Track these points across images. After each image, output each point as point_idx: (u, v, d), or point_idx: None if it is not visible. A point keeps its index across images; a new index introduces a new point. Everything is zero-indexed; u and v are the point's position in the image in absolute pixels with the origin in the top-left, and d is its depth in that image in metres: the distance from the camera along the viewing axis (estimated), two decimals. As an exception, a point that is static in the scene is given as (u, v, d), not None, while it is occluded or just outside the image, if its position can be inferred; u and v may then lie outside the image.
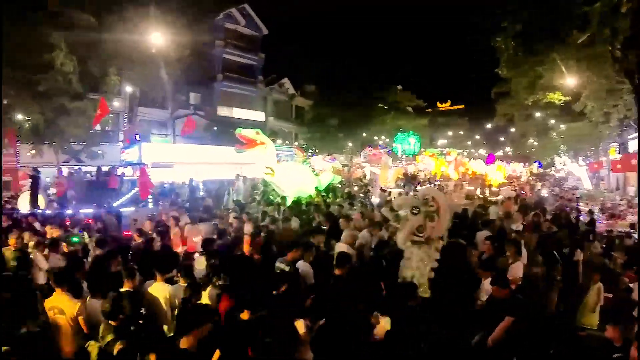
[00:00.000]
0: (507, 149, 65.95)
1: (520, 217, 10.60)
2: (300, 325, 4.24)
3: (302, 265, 6.19)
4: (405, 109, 49.83)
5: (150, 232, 9.08)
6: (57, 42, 17.54)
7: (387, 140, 44.62)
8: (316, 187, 14.96)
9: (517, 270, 6.78)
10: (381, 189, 20.46)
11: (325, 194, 15.44)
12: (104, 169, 17.51)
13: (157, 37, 19.28)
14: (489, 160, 34.26)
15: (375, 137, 45.14)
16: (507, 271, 6.61)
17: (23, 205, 12.84)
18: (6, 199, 14.00)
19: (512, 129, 49.34)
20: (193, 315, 3.92)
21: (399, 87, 49.18)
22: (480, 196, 19.70)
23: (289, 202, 13.00)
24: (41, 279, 6.69)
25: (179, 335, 3.77)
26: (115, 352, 4.17)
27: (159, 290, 5.56)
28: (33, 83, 17.83)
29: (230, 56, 38.44)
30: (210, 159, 22.78)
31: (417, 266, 6.22)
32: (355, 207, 12.32)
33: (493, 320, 5.17)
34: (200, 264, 6.91)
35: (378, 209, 11.92)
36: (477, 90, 50.74)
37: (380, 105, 43.96)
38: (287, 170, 14.64)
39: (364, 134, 43.87)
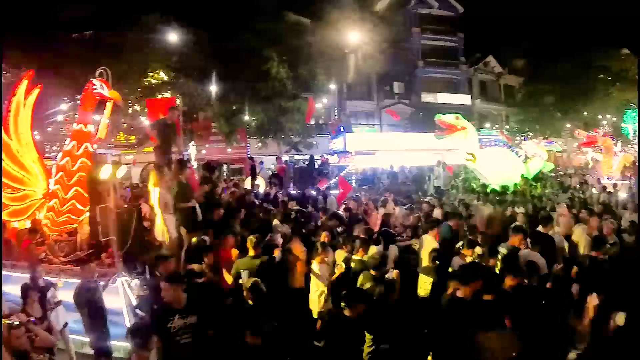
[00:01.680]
0: None
1: None
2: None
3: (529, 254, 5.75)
4: (634, 79, 38.68)
5: (356, 211, 9.81)
6: (270, 54, 20.72)
7: (615, 119, 35.52)
8: (522, 175, 13.64)
9: None
10: (598, 179, 16.81)
11: (533, 183, 13.96)
12: (316, 157, 19.44)
13: (355, 34, 20.67)
14: None
15: (599, 116, 36.67)
16: None
17: (247, 186, 15.15)
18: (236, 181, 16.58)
19: None
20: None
21: (625, 50, 38.19)
22: None
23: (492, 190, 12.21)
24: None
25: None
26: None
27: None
28: (256, 90, 21.61)
29: (428, 41, 37.71)
30: (411, 146, 23.01)
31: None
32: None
33: None
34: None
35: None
36: None
37: (602, 75, 36.04)
38: (491, 156, 13.74)
39: (585, 113, 36.85)
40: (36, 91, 8.35)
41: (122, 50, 18.74)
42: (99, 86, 8.02)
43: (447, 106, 30.99)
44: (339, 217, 8.88)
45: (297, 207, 10.06)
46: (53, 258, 7.53)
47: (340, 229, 8.03)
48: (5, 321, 3.50)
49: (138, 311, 5.69)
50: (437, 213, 9.14)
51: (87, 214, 7.97)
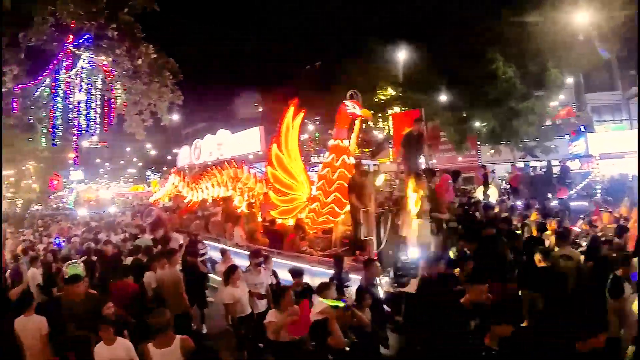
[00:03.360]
0: None
1: None
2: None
3: None
4: None
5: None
6: (494, 55, 19.35)
7: None
8: None
9: None
10: None
11: None
12: (554, 163, 17.66)
13: (583, 16, 17.70)
14: None
15: None
16: None
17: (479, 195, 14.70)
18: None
19: None
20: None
21: None
22: None
23: None
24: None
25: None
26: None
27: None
28: (483, 94, 20.43)
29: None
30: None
31: None
32: None
33: None
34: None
35: None
36: None
37: None
38: None
39: None
40: (301, 115, 10.08)
41: (351, 74, 20.74)
42: (351, 107, 9.18)
43: None
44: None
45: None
46: (313, 251, 8.91)
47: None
48: (339, 304, 4.49)
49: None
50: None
51: (342, 216, 9.21)
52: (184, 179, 19.69)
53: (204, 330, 7.98)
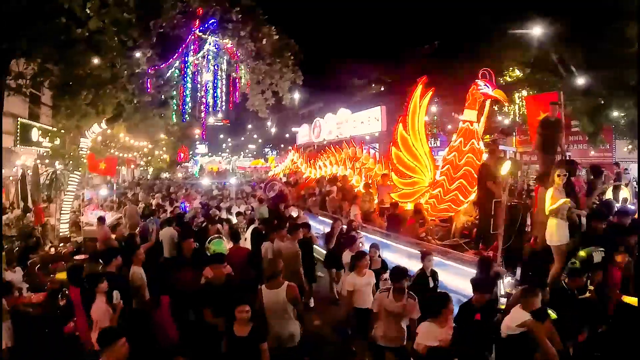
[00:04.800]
0: None
1: None
2: None
3: None
4: None
5: None
6: (633, 32, 16.38)
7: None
8: None
9: None
10: None
11: None
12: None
13: None
14: None
15: None
16: None
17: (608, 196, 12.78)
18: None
19: None
20: None
21: None
22: None
23: None
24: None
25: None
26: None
27: None
28: (625, 80, 17.58)
29: None
30: None
31: None
32: None
33: None
34: None
35: None
36: None
37: None
38: None
39: None
40: (429, 94, 9.54)
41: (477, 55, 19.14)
42: (484, 86, 8.45)
43: None
44: None
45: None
46: (431, 239, 8.47)
47: None
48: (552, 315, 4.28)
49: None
50: None
51: (466, 204, 8.62)
52: (303, 156, 20.22)
53: (312, 304, 8.06)
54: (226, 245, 7.97)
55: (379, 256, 7.06)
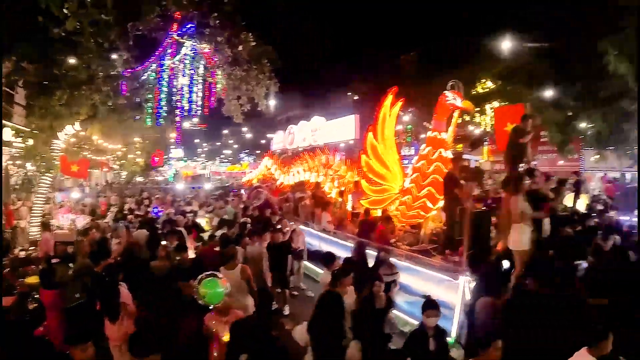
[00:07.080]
0: None
1: None
2: None
3: None
4: None
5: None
6: (604, 47, 17.16)
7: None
8: None
9: None
10: None
11: None
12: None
13: None
14: None
15: None
16: None
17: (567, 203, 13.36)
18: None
19: None
20: None
21: None
22: None
23: None
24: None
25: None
26: None
27: None
28: (593, 92, 18.41)
29: None
30: None
31: None
32: None
33: None
34: None
35: None
36: None
37: None
38: None
39: None
40: (399, 104, 9.86)
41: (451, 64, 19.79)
42: (452, 98, 8.79)
43: None
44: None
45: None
46: (400, 245, 8.73)
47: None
48: None
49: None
50: None
51: (434, 211, 8.90)
52: (277, 162, 20.31)
53: (286, 312, 7.88)
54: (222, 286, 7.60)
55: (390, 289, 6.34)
